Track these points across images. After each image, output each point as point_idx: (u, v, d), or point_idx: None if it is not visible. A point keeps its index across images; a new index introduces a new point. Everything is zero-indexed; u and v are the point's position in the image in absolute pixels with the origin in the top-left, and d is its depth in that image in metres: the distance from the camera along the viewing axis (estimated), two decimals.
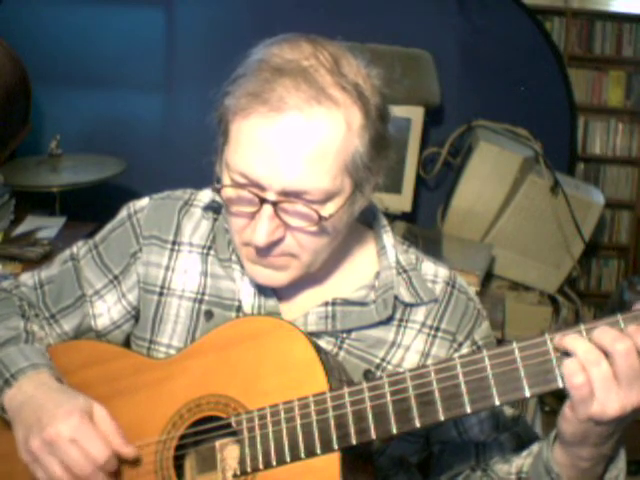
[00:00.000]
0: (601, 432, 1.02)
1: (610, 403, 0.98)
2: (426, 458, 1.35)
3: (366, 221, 1.31)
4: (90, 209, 2.82)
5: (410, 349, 1.24)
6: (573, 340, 1.00)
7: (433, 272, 1.28)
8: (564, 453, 1.09)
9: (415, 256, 1.30)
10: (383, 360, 1.24)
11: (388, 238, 1.28)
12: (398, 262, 1.25)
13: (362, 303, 1.23)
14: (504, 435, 1.27)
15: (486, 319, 1.30)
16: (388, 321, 1.23)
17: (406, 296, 1.23)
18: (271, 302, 1.24)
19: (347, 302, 1.23)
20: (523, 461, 1.22)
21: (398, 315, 1.24)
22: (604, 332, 0.99)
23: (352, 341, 1.23)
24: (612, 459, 1.09)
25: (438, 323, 1.25)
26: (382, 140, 1.15)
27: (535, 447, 1.22)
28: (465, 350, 1.25)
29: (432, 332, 1.25)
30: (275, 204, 1.10)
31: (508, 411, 1.28)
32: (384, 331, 1.24)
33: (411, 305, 1.24)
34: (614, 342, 0.97)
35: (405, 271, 1.25)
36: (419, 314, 1.25)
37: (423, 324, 1.25)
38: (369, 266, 1.27)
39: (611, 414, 0.98)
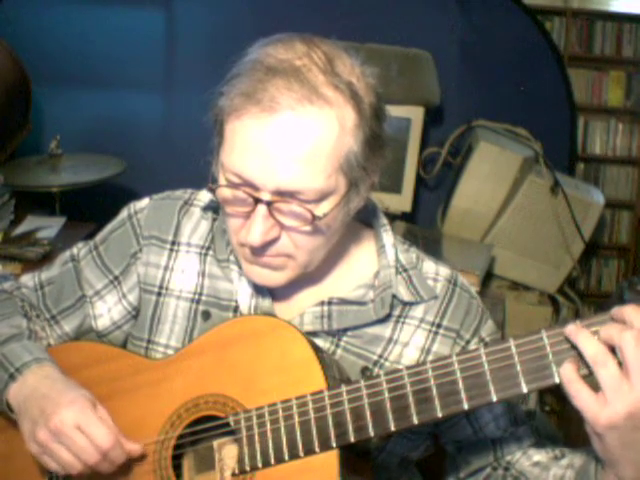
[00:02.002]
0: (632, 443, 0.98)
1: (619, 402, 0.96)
2: (427, 457, 1.35)
3: (366, 220, 1.31)
4: (90, 209, 2.83)
5: (409, 345, 1.24)
6: (584, 339, 0.98)
7: (434, 271, 1.28)
8: (605, 475, 1.06)
9: (416, 255, 1.29)
10: (380, 357, 1.23)
11: (388, 237, 1.27)
12: (398, 261, 1.25)
13: (360, 302, 1.23)
14: (521, 428, 1.26)
15: (490, 317, 1.29)
16: (385, 318, 1.23)
17: (405, 295, 1.23)
18: (267, 302, 1.24)
19: (344, 301, 1.22)
20: (563, 472, 1.18)
21: (396, 312, 1.24)
22: (609, 328, 0.98)
23: (349, 338, 1.23)
24: None
25: (440, 320, 1.25)
26: (377, 139, 1.14)
27: (577, 460, 1.17)
28: (472, 347, 1.24)
29: (433, 328, 1.25)
30: (269, 204, 1.10)
31: (522, 406, 1.27)
32: (381, 328, 1.24)
33: (410, 303, 1.24)
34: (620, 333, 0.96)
35: (405, 270, 1.25)
36: (418, 310, 1.25)
37: (422, 320, 1.24)
38: (368, 265, 1.27)
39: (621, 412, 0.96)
